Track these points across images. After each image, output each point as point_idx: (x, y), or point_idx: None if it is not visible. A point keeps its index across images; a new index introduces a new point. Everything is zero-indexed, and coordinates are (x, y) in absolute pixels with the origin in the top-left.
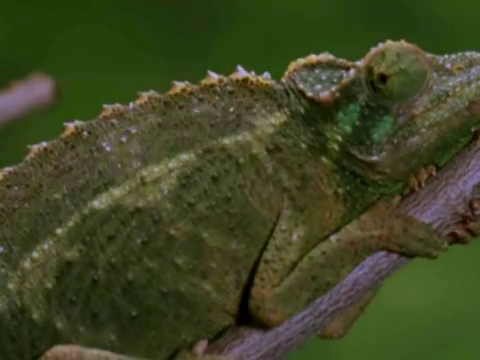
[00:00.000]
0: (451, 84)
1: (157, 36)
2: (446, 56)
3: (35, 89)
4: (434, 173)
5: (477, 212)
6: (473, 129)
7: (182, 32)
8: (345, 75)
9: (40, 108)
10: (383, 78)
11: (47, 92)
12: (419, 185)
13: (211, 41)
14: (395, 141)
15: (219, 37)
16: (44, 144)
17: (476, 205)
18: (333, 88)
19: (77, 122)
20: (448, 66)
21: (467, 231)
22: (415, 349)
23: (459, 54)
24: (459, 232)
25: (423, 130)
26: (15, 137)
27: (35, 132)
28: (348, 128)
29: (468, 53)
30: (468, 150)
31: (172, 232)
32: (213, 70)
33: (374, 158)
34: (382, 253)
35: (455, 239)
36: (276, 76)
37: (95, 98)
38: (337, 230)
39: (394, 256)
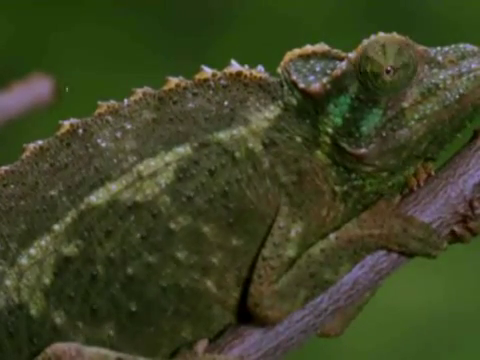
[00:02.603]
0: (441, 77)
1: (156, 35)
2: (438, 48)
3: (35, 89)
4: (433, 173)
5: (477, 211)
6: (468, 123)
7: (181, 31)
8: (338, 66)
9: (40, 108)
10: (368, 74)
11: (47, 92)
12: (418, 185)
13: (210, 40)
14: (383, 133)
15: (218, 37)
16: (40, 142)
17: (476, 204)
18: (324, 80)
19: (72, 120)
20: (440, 59)
21: (467, 230)
22: (415, 349)
23: (452, 46)
24: (459, 231)
25: (412, 123)
26: (15, 137)
27: (35, 132)
28: (338, 120)
29: (461, 45)
30: (468, 149)
31: (171, 226)
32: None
33: (362, 150)
34: (382, 252)
35: (455, 238)
36: (274, 76)
37: (95, 97)
38: (337, 230)
39: (394, 255)
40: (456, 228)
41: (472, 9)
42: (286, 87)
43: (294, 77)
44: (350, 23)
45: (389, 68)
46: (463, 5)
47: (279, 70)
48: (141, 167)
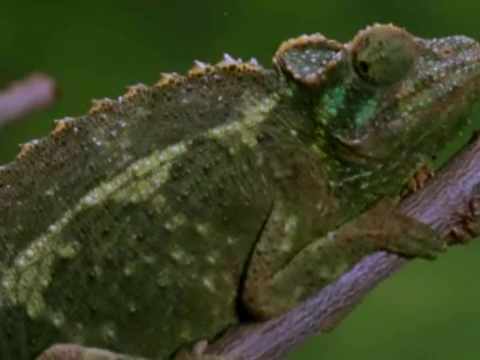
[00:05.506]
0: (435, 69)
1: (157, 36)
2: (434, 40)
3: (35, 89)
4: (432, 174)
5: (477, 212)
6: (468, 120)
7: (181, 32)
8: (334, 57)
9: (40, 108)
10: (365, 66)
11: (47, 92)
12: (417, 186)
13: (210, 41)
14: (377, 124)
15: (217, 37)
16: (35, 142)
17: (476, 205)
18: (320, 70)
19: (67, 118)
20: (435, 51)
21: (467, 231)
22: (415, 350)
23: (448, 38)
24: (458, 232)
25: (405, 114)
26: (15, 137)
27: (35, 132)
28: (333, 111)
29: (457, 38)
30: (468, 150)
31: (167, 226)
32: None
33: (356, 141)
34: (382, 253)
35: (454, 239)
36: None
37: (93, 97)
38: (333, 229)
39: (394, 256)
40: (456, 229)
41: (468, 8)
42: (282, 78)
43: (289, 67)
44: (349, 22)
45: (384, 59)
46: (459, 4)
47: (274, 60)
48: (136, 167)
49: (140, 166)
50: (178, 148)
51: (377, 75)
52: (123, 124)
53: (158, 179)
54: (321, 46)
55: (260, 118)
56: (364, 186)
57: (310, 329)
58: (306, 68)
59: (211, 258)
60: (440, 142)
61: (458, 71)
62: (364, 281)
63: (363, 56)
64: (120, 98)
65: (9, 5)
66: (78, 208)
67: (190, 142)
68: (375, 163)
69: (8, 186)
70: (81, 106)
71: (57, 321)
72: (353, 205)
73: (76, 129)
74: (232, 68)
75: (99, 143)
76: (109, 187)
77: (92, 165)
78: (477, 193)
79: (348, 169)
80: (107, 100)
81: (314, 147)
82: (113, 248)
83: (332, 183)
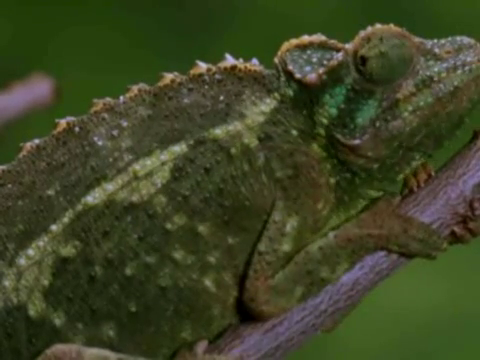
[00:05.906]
0: (436, 69)
1: (157, 37)
2: (435, 40)
3: (35, 89)
4: (433, 173)
5: (477, 212)
6: (467, 120)
7: (181, 33)
8: (334, 57)
9: (40, 108)
10: (363, 60)
11: (47, 92)
12: (418, 185)
13: (210, 42)
14: (377, 124)
15: (218, 38)
16: (36, 141)
17: (476, 205)
18: (320, 70)
19: (69, 118)
20: (436, 51)
21: (467, 231)
22: (416, 350)
23: (449, 39)
24: (459, 231)
25: (405, 114)
26: (15, 137)
27: (35, 132)
28: (334, 111)
29: (458, 38)
30: (468, 150)
31: (168, 226)
32: None
33: (356, 142)
34: (382, 253)
35: (455, 239)
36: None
37: (94, 98)
38: (327, 222)
39: (394, 256)
40: (456, 229)
41: (469, 8)
42: (283, 78)
43: (290, 67)
44: (350, 24)
45: (383, 53)
46: (460, 4)
47: (276, 60)
48: (137, 167)
49: (141, 166)
50: (179, 148)
51: (375, 71)
52: (124, 124)
53: (159, 179)
54: (322, 46)
55: (261, 118)
56: (359, 181)
57: (310, 329)
58: (307, 68)
59: (212, 258)
60: (437, 141)
61: (459, 71)
62: (364, 281)
63: (363, 51)
64: (121, 98)
65: (9, 5)
66: (79, 208)
67: (191, 142)
68: (373, 163)
69: (9, 186)
70: (81, 106)
71: (57, 321)
72: (346, 198)
73: (77, 129)
74: (233, 68)
75: (100, 143)
76: (110, 187)
77: (93, 165)
78: (477, 193)
79: (346, 167)
80: (108, 100)
81: (315, 147)
82: (114, 248)
83: (332, 180)
